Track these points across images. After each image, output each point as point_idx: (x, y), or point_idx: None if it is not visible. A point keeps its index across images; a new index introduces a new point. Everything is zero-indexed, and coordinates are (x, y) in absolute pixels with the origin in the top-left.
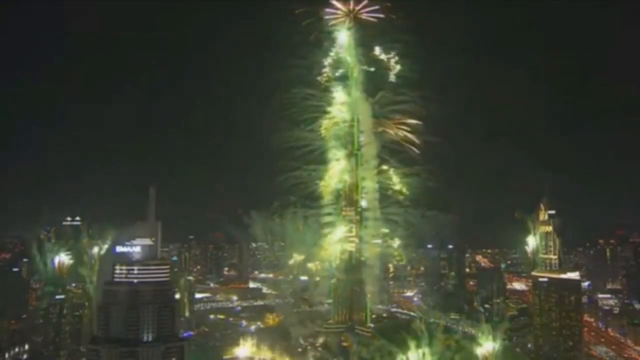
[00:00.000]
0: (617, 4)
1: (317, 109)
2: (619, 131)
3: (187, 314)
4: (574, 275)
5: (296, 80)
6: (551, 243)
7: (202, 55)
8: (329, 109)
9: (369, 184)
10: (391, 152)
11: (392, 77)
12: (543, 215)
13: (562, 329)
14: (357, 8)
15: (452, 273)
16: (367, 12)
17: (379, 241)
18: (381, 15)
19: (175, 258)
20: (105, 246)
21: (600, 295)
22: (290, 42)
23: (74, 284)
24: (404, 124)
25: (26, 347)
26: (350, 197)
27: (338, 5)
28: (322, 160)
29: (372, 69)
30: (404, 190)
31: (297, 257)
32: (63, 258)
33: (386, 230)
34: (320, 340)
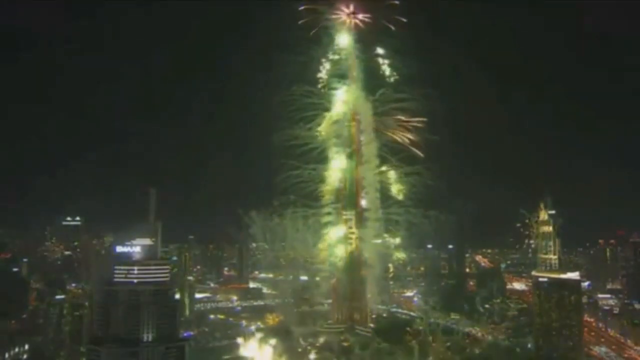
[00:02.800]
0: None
1: (316, 107)
2: (620, 130)
3: (187, 314)
4: (574, 275)
5: (296, 77)
6: (551, 243)
7: (201, 54)
8: (328, 107)
9: (370, 184)
10: (392, 151)
11: (392, 75)
12: (543, 215)
13: (562, 329)
14: (357, 7)
15: (452, 273)
16: (366, 12)
17: (379, 241)
18: (381, 16)
19: (175, 258)
20: (105, 246)
21: (600, 295)
22: (289, 39)
23: (74, 284)
24: (405, 122)
25: (26, 347)
26: (351, 196)
27: (338, 4)
28: (322, 159)
29: (372, 66)
30: (405, 189)
31: (296, 256)
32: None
33: (387, 232)
34: (321, 340)
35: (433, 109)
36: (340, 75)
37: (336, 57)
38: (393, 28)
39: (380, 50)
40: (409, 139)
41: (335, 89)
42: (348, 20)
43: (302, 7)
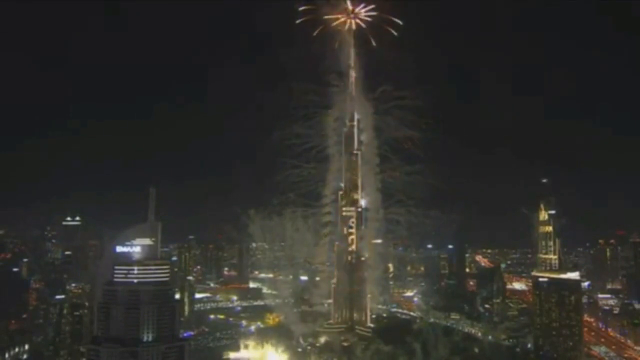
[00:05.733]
0: None
1: (316, 105)
2: (620, 130)
3: (187, 314)
4: (574, 275)
5: (295, 75)
6: (551, 243)
7: (199, 53)
8: (328, 105)
9: (370, 183)
10: (393, 149)
11: (392, 73)
12: (543, 215)
13: (562, 329)
14: (358, 8)
15: (452, 273)
16: (366, 11)
17: (379, 241)
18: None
19: (175, 258)
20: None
21: (600, 295)
22: (289, 37)
23: (74, 284)
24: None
25: (26, 347)
26: (351, 196)
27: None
28: (322, 158)
29: (372, 64)
30: (405, 189)
31: (296, 256)
32: None
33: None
34: (322, 340)
35: (433, 107)
36: (340, 74)
37: (336, 57)
38: (393, 27)
39: (380, 48)
40: (409, 137)
41: (335, 86)
42: (348, 19)
43: (302, 7)
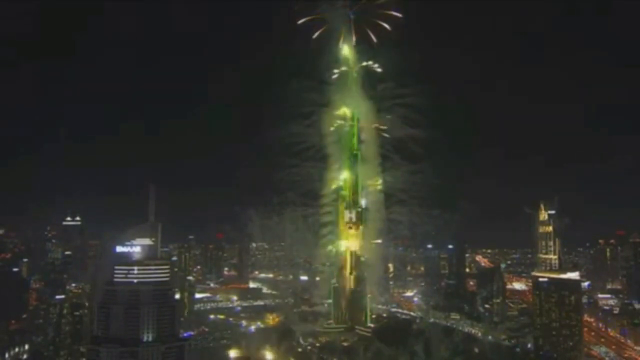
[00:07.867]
0: None
1: (315, 103)
2: (620, 130)
3: (187, 314)
4: (574, 275)
5: (295, 73)
6: (551, 243)
7: (198, 52)
8: (328, 103)
9: (370, 183)
10: (394, 149)
11: (392, 73)
12: (543, 215)
13: (562, 329)
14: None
15: (452, 273)
16: (367, 11)
17: (379, 241)
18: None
19: (175, 258)
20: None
21: (600, 295)
22: (289, 36)
23: (74, 284)
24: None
25: (26, 347)
26: (351, 196)
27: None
28: (321, 157)
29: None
30: (406, 188)
31: (296, 256)
32: None
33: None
34: (322, 340)
35: (434, 105)
36: (340, 74)
37: (336, 55)
38: (392, 25)
39: (380, 47)
40: (410, 136)
41: (335, 87)
42: (347, 18)
43: (299, 7)
